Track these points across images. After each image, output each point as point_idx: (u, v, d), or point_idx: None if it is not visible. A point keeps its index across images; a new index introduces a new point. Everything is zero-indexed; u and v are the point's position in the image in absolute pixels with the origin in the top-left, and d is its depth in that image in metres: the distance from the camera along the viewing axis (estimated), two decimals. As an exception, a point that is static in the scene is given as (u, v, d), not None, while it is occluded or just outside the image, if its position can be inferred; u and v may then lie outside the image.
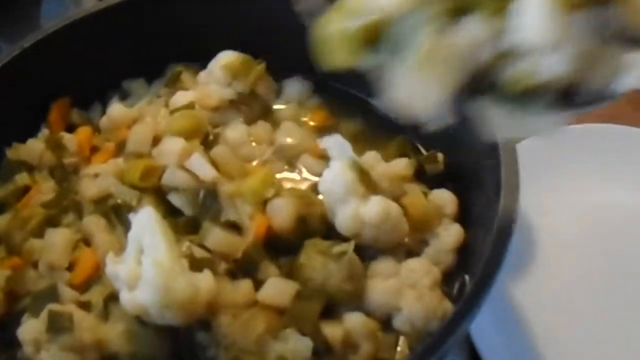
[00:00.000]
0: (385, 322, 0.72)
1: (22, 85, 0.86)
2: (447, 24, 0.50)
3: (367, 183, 0.73)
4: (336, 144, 0.74)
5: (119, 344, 0.68)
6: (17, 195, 0.83)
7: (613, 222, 0.97)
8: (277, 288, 0.70)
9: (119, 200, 0.77)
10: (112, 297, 0.69)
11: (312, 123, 0.91)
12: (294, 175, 0.84)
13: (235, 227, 0.74)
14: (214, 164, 0.76)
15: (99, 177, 0.81)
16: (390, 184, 0.78)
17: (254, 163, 0.83)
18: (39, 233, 0.78)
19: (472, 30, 0.49)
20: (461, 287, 0.75)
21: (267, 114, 0.92)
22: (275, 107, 0.93)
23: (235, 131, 0.85)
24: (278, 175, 0.82)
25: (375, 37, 0.53)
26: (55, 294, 0.72)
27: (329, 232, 0.74)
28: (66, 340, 0.67)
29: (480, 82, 0.51)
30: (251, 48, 0.91)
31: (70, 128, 0.90)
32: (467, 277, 0.74)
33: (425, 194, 0.79)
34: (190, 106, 0.85)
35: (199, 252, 0.71)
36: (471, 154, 0.78)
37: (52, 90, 0.90)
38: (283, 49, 0.90)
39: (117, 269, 0.65)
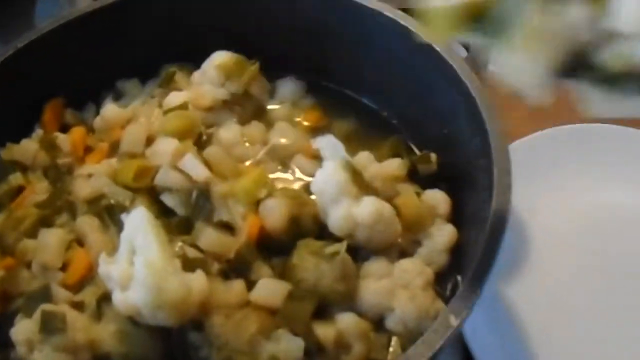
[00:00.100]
0: (378, 323, 0.72)
1: (16, 85, 0.86)
2: (550, 2, 0.52)
3: (360, 183, 0.73)
4: (329, 144, 0.74)
5: (112, 344, 0.68)
6: (10, 195, 0.83)
7: (606, 222, 0.98)
8: (269, 288, 0.70)
9: (112, 201, 0.77)
10: (105, 298, 0.69)
11: (305, 123, 0.91)
12: (287, 176, 0.84)
13: (228, 228, 0.73)
14: (207, 164, 0.76)
15: (93, 178, 0.80)
16: (383, 184, 0.78)
17: (248, 163, 0.83)
18: (32, 233, 0.77)
19: (574, 10, 0.51)
20: (454, 288, 0.75)
21: (260, 114, 0.92)
22: (269, 107, 0.93)
23: (228, 131, 0.85)
24: (271, 176, 0.82)
25: (478, 13, 0.54)
26: (49, 294, 0.72)
27: (322, 232, 0.74)
28: (59, 340, 0.67)
29: (579, 61, 0.53)
30: (245, 48, 0.91)
31: (64, 128, 0.90)
32: (459, 278, 0.75)
33: (418, 194, 0.79)
34: (183, 106, 0.85)
35: (191, 253, 0.71)
36: (464, 154, 0.79)
37: (46, 90, 0.90)
38: (277, 49, 0.91)
39: (110, 269, 0.65)
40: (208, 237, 0.72)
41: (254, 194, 0.74)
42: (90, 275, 0.74)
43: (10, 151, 0.85)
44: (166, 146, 0.78)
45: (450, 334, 0.61)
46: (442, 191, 0.80)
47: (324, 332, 0.68)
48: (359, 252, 0.74)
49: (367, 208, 0.71)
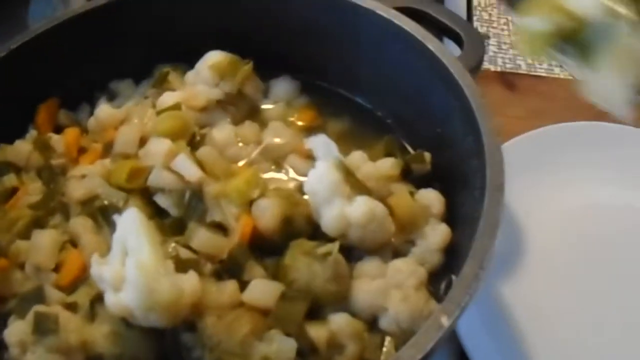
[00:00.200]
0: (371, 323, 0.72)
1: (9, 86, 0.86)
2: (635, 26, 0.55)
3: (353, 183, 0.73)
4: (321, 144, 0.74)
5: (105, 346, 0.68)
6: (4, 196, 0.83)
7: (601, 221, 0.98)
8: (262, 289, 0.69)
9: (105, 202, 0.77)
10: (99, 299, 0.69)
11: (299, 123, 0.91)
12: (281, 176, 0.84)
13: (220, 228, 0.73)
14: (200, 164, 0.76)
15: (86, 178, 0.80)
16: (377, 184, 0.78)
17: (241, 163, 0.83)
18: (25, 234, 0.77)
19: None
20: (448, 287, 0.75)
21: (254, 114, 0.91)
22: (263, 107, 0.93)
23: (222, 132, 0.85)
24: (265, 176, 0.82)
25: (569, 35, 0.58)
26: (42, 295, 0.72)
27: (315, 232, 0.74)
28: (52, 341, 0.66)
29: None
30: (239, 48, 0.91)
31: (58, 129, 0.90)
32: (453, 277, 0.74)
33: (412, 194, 0.79)
34: (176, 107, 0.85)
35: (184, 253, 0.71)
36: (458, 154, 0.78)
37: (39, 91, 0.90)
38: (271, 48, 0.91)
39: (102, 270, 0.65)
40: (201, 237, 0.72)
41: (246, 194, 0.74)
42: (83, 276, 0.74)
43: (4, 152, 0.85)
44: (159, 147, 0.78)
45: (442, 335, 0.60)
46: (436, 191, 0.80)
47: (317, 332, 0.68)
48: (352, 252, 0.74)
49: (360, 208, 0.71)
